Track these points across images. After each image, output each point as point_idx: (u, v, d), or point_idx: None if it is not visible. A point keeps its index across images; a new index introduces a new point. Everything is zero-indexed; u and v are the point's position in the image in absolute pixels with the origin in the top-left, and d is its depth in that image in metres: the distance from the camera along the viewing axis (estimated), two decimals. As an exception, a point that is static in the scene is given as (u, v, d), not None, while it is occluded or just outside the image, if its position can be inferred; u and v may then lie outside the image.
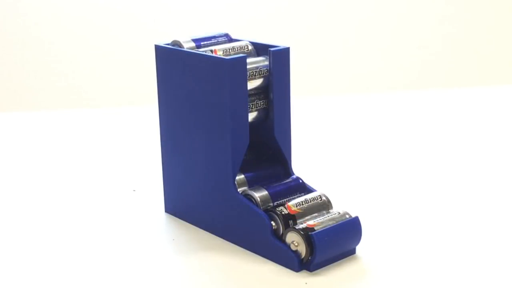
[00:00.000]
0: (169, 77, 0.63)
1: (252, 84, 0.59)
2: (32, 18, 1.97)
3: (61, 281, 0.56)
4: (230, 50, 0.61)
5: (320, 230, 0.56)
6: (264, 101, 0.60)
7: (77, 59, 1.98)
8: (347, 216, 0.58)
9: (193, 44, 0.62)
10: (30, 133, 0.95)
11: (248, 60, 0.58)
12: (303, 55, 2.00)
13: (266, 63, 0.59)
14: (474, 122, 0.96)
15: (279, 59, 0.59)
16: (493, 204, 0.69)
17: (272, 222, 0.58)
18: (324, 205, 0.59)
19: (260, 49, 0.61)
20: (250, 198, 0.59)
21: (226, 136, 0.58)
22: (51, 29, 1.97)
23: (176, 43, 0.62)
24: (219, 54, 0.60)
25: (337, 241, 0.57)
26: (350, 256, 0.58)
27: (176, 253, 0.60)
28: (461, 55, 2.14)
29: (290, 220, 0.57)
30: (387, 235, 0.62)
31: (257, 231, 0.58)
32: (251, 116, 0.59)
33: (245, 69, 0.58)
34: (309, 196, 0.59)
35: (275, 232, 0.58)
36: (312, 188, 0.61)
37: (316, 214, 0.58)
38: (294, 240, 0.56)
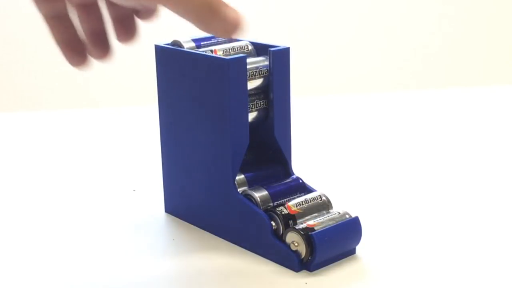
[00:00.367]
0: (169, 77, 0.63)
1: (252, 84, 0.59)
2: (33, 18, 1.97)
3: (61, 281, 0.56)
4: (230, 50, 0.61)
5: (320, 230, 0.56)
6: (264, 101, 0.60)
7: (77, 59, 1.98)
8: (347, 216, 0.58)
9: (193, 44, 0.62)
10: (30, 133, 0.95)
11: (248, 60, 0.58)
12: (303, 55, 2.00)
13: (266, 63, 0.59)
14: (474, 122, 0.96)
15: (279, 59, 0.59)
16: (493, 204, 0.69)
17: (272, 222, 0.58)
18: (324, 205, 0.59)
19: (260, 49, 0.61)
20: (250, 198, 0.59)
21: (226, 136, 0.58)
22: (51, 29, 1.97)
23: (176, 43, 0.62)
24: (219, 54, 0.60)
25: (337, 241, 0.57)
26: (350, 256, 0.58)
27: (176, 253, 0.60)
28: (461, 55, 2.14)
29: (290, 220, 0.57)
30: (387, 235, 0.62)
31: (257, 231, 0.58)
32: (251, 116, 0.59)
33: (245, 69, 0.58)
34: (309, 196, 0.59)
35: (275, 232, 0.58)
36: (312, 188, 0.61)
37: (316, 214, 0.58)
38: (294, 240, 0.56)
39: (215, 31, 0.51)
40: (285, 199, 0.60)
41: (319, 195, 0.60)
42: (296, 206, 0.58)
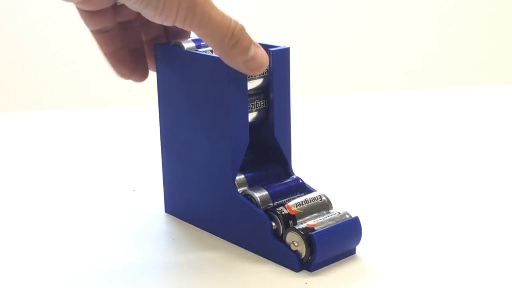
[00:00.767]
0: (169, 77, 0.63)
1: (252, 84, 0.59)
2: (33, 18, 1.97)
3: (61, 281, 0.56)
4: (230, 50, 0.61)
5: (320, 230, 0.56)
6: (264, 101, 0.60)
7: (77, 59, 1.99)
8: (347, 216, 0.58)
9: (193, 44, 0.62)
10: (30, 133, 0.95)
11: (248, 60, 0.58)
12: (303, 55, 2.00)
13: (266, 63, 0.59)
14: (474, 122, 0.96)
15: (279, 59, 0.59)
16: (493, 204, 0.69)
17: (272, 222, 0.58)
18: (324, 205, 0.59)
19: (260, 49, 0.61)
20: (250, 198, 0.59)
21: (226, 136, 0.58)
22: (51, 29, 1.97)
23: (176, 43, 0.62)
24: (219, 54, 0.60)
25: (337, 241, 0.57)
26: (350, 256, 0.58)
27: (176, 253, 0.60)
28: (461, 55, 2.14)
29: (290, 220, 0.57)
30: (388, 235, 0.62)
31: (257, 231, 0.58)
32: (251, 116, 0.59)
33: (245, 69, 0.58)
34: (309, 196, 0.59)
35: (275, 232, 0.58)
36: (312, 188, 0.61)
37: (316, 214, 0.58)
38: (294, 240, 0.56)
39: (236, 64, 0.53)
40: (285, 199, 0.60)
41: (319, 195, 0.60)
42: (296, 206, 0.58)
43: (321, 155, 0.84)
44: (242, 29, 0.55)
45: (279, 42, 0.61)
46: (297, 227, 0.56)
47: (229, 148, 0.58)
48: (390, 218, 0.66)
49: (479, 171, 0.78)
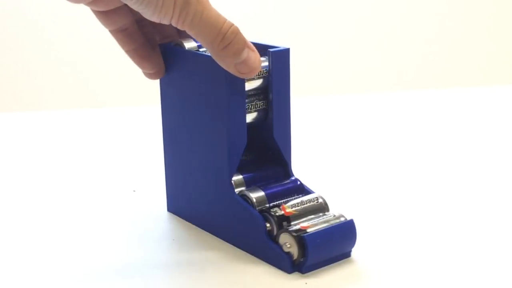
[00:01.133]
0: (170, 77, 0.63)
1: (251, 84, 0.59)
2: (33, 18, 1.97)
3: (61, 281, 0.56)
4: (230, 51, 0.61)
5: (312, 232, 0.56)
6: (264, 101, 0.60)
7: (78, 59, 1.99)
8: (342, 218, 0.58)
9: (194, 44, 0.62)
10: (30, 133, 0.95)
11: (248, 60, 0.58)
12: (303, 55, 2.00)
13: (266, 63, 0.59)
14: (474, 122, 0.96)
15: (278, 60, 0.59)
16: (492, 205, 0.69)
17: (267, 223, 0.57)
18: (320, 207, 0.59)
19: (259, 49, 0.61)
20: (246, 199, 0.59)
21: (223, 136, 0.58)
22: (51, 29, 1.97)
23: (177, 43, 0.62)
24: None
25: (330, 244, 0.56)
26: (345, 259, 0.58)
27: (177, 253, 0.60)
28: (461, 55, 2.14)
29: (284, 221, 0.57)
30: (384, 238, 0.62)
31: (252, 231, 0.58)
32: (251, 116, 0.59)
33: (244, 70, 0.58)
34: (305, 198, 0.59)
35: (269, 233, 0.57)
36: (311, 190, 0.61)
37: (312, 216, 0.58)
38: (286, 241, 0.56)
39: (227, 66, 0.53)
40: (282, 201, 0.59)
41: (316, 197, 0.59)
42: (291, 208, 0.58)
43: (321, 156, 0.84)
44: (235, 31, 0.55)
45: (279, 42, 0.60)
46: (290, 229, 0.56)
47: (226, 148, 0.58)
48: (390, 222, 0.65)
49: (478, 171, 0.77)
